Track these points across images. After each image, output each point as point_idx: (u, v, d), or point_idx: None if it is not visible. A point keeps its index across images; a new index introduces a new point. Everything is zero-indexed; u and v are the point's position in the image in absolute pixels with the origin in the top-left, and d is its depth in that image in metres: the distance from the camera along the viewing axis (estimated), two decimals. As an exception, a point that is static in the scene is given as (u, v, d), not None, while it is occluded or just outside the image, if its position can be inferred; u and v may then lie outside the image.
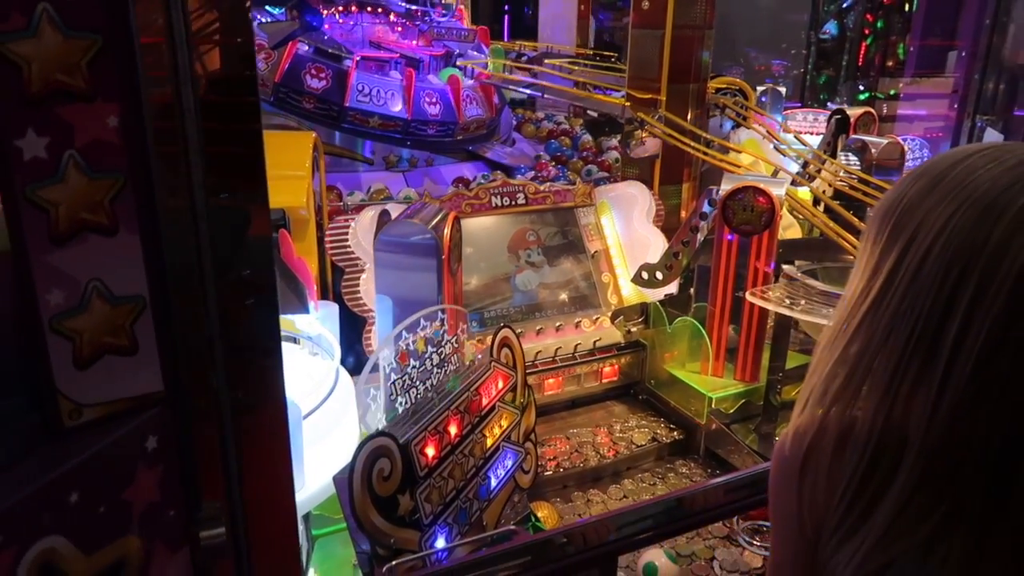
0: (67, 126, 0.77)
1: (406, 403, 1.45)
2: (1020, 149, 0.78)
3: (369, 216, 2.06)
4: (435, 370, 1.55)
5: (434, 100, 4.31)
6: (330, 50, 4.08)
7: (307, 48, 3.94)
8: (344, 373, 1.89)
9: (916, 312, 0.78)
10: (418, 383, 1.49)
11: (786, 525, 0.93)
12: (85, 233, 0.80)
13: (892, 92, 7.06)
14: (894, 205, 0.84)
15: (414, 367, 1.48)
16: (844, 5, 7.36)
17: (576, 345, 2.29)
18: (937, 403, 0.76)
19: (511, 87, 4.03)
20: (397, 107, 4.14)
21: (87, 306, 0.83)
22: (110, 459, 0.88)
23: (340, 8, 4.43)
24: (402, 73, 4.25)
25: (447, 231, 1.69)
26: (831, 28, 7.98)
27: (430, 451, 1.43)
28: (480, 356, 1.71)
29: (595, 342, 2.32)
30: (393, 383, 1.43)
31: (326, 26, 3.98)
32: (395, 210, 1.88)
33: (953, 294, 0.75)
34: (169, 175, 0.85)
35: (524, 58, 5.69)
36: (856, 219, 2.43)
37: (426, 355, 1.52)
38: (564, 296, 2.44)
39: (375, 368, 1.50)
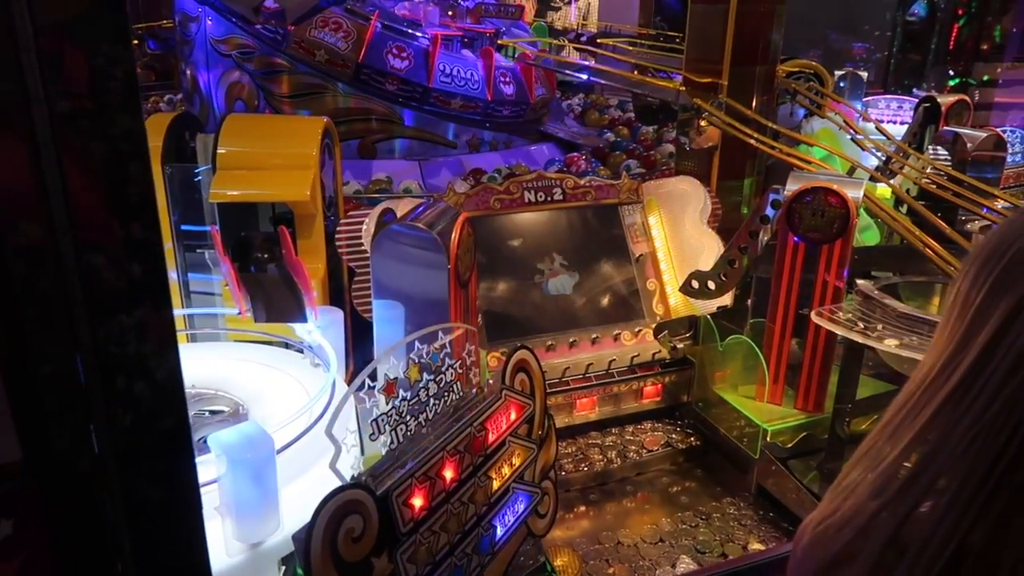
0: None
1: (392, 443, 1.23)
2: None
3: (379, 213, 1.85)
4: (432, 401, 1.32)
5: (508, 80, 4.11)
6: (407, 28, 3.91)
7: (380, 25, 3.77)
8: (343, 388, 1.69)
9: (1015, 416, 0.57)
10: (408, 418, 1.26)
11: None
12: None
13: (986, 78, 6.52)
14: (1002, 248, 0.62)
15: (404, 400, 1.25)
16: (936, -16, 6.84)
17: (610, 361, 2.04)
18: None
19: (559, 70, 3.76)
20: (477, 88, 3.96)
21: None
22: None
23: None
24: (475, 52, 4.05)
25: (456, 236, 1.46)
26: (919, 8, 7.43)
27: (418, 502, 1.20)
28: (491, 381, 1.48)
29: (632, 358, 2.06)
30: (376, 420, 1.20)
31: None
32: (403, 207, 1.65)
33: None
34: (13, 189, 0.64)
35: (583, 38, 5.39)
36: (945, 224, 2.10)
37: (420, 384, 1.29)
38: (603, 305, 2.17)
39: (362, 389, 1.28)
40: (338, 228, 1.97)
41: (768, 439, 1.89)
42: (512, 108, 4.21)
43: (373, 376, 1.22)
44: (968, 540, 0.59)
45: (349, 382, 1.75)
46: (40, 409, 0.71)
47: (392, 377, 1.24)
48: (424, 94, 3.80)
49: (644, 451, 2.01)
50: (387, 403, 1.24)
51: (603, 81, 3.36)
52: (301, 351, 1.90)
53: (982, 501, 0.58)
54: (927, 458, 0.63)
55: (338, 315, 1.83)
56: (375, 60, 3.64)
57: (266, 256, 1.92)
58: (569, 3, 5.70)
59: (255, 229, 2.12)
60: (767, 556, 1.68)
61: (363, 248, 1.94)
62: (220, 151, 1.91)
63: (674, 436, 2.09)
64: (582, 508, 1.91)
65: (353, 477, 1.18)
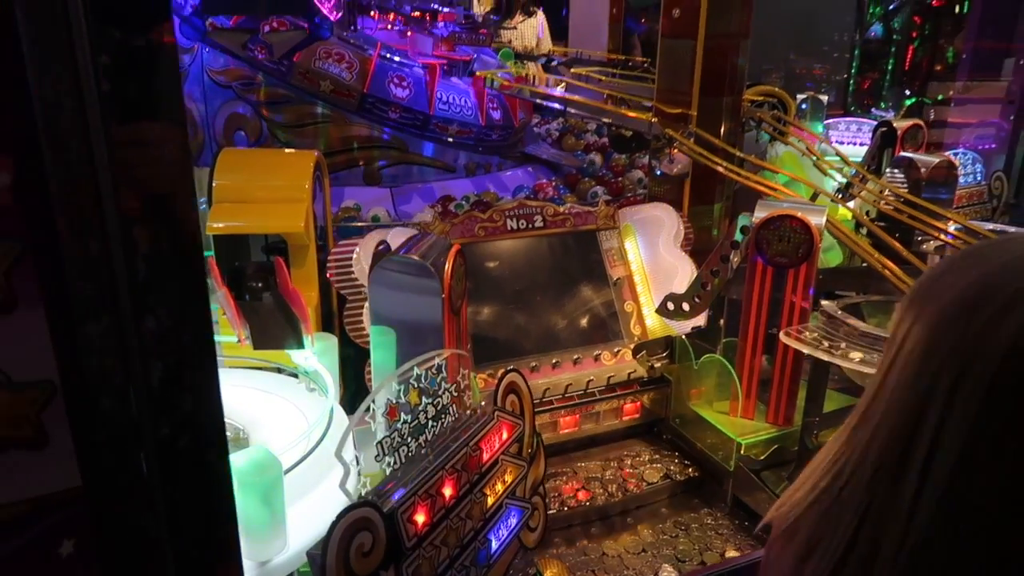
0: (-57, 189, 0.64)
1: (395, 463, 1.31)
2: None
3: (374, 241, 1.93)
4: (430, 423, 1.41)
5: (496, 105, 4.26)
6: (400, 58, 4.01)
7: (384, 56, 3.89)
8: (340, 414, 1.76)
9: (894, 418, 0.70)
10: (409, 440, 1.35)
11: None
12: (-28, 312, 0.68)
13: (940, 97, 6.77)
14: (922, 278, 0.74)
15: (405, 422, 1.34)
16: (891, 7, 7.08)
17: (588, 381, 2.13)
18: (905, 535, 0.66)
19: (535, 99, 3.87)
20: (471, 114, 4.09)
21: (-21, 396, 0.70)
22: (15, 571, 0.75)
23: (370, 13, 4.35)
24: (462, 79, 4.18)
25: (449, 267, 1.55)
26: (876, 30, 7.69)
27: (420, 518, 1.28)
28: (484, 403, 1.57)
29: (609, 378, 2.16)
30: (380, 443, 1.29)
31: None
32: (397, 238, 1.74)
33: (927, 398, 0.66)
34: (78, 239, 0.72)
35: (554, 63, 5.52)
36: (902, 245, 2.23)
37: (420, 408, 1.38)
38: (583, 327, 2.28)
39: (367, 412, 1.36)
40: (329, 257, 2.04)
41: (742, 452, 1.99)
42: (500, 132, 4.36)
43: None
44: (861, 529, 0.71)
45: (343, 404, 1.82)
46: (97, 440, 0.78)
47: (394, 401, 1.33)
48: (425, 121, 3.92)
49: (644, 484, 2.06)
50: (389, 426, 1.32)
51: (579, 112, 3.48)
52: (295, 376, 1.96)
53: (872, 495, 0.70)
54: (846, 459, 0.74)
55: (332, 341, 1.91)
56: (379, 89, 3.74)
57: (260, 285, 1.99)
58: (525, 19, 5.84)
59: (247, 259, 2.19)
60: (743, 561, 1.79)
61: (353, 276, 2.02)
62: (215, 184, 1.98)
63: (672, 468, 2.13)
64: (572, 525, 1.99)
65: (360, 496, 1.26)
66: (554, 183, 4.19)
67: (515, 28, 5.76)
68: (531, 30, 5.92)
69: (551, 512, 1.86)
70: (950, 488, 0.64)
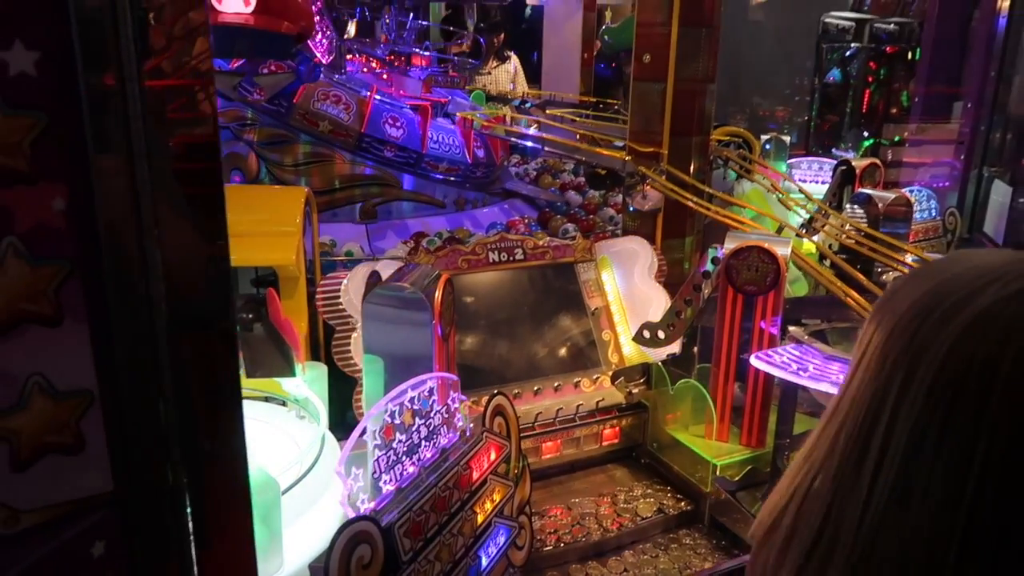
0: (5, 211, 0.71)
1: (391, 481, 1.37)
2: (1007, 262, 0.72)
3: (362, 273, 2.00)
4: (423, 443, 1.47)
5: (479, 144, 4.43)
6: (392, 101, 4.17)
7: (378, 98, 4.03)
8: (331, 440, 1.82)
9: (856, 414, 0.75)
10: (404, 458, 1.41)
11: None
12: (25, 324, 0.74)
13: (896, 138, 7.04)
14: (887, 289, 0.81)
15: (400, 442, 1.40)
16: (847, 54, 7.39)
17: (577, 406, 2.20)
18: (862, 520, 0.71)
19: (512, 139, 4.01)
20: (459, 152, 4.25)
21: (27, 403, 0.76)
22: (50, 570, 0.81)
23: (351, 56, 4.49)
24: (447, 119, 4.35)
25: (439, 294, 1.63)
26: (835, 75, 8.00)
27: (415, 533, 1.34)
28: (472, 426, 1.63)
29: (598, 402, 2.24)
30: (377, 460, 1.35)
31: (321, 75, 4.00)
32: (386, 269, 1.81)
33: (883, 397, 0.72)
34: (122, 260, 0.79)
35: (528, 105, 5.67)
36: (863, 275, 2.36)
37: (413, 428, 1.44)
38: (563, 355, 2.36)
39: (361, 437, 1.43)
40: (318, 289, 2.11)
41: (717, 473, 2.07)
42: (484, 170, 4.53)
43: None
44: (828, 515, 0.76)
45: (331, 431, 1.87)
46: (129, 446, 0.84)
47: (390, 421, 1.39)
48: (418, 159, 4.06)
49: (639, 519, 2.08)
50: (385, 445, 1.39)
51: (554, 151, 3.61)
52: (284, 404, 2.01)
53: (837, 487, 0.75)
54: (816, 455, 0.79)
55: (323, 370, 1.96)
56: (375, 130, 3.87)
57: (252, 316, 2.05)
58: (499, 64, 6.04)
59: (236, 291, 2.25)
60: (722, 569, 1.86)
61: (341, 307, 2.08)
62: (207, 219, 2.04)
63: (665, 502, 2.16)
64: (556, 546, 2.03)
65: (359, 513, 1.31)
66: (526, 220, 4.31)
67: (490, 74, 5.95)
68: (505, 75, 6.11)
69: (547, 548, 1.91)
70: (901, 475, 0.70)
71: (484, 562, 1.55)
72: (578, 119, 3.88)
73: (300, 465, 1.65)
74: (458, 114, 4.01)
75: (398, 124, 3.99)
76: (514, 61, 6.23)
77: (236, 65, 3.70)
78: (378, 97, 3.96)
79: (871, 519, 0.71)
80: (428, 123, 3.89)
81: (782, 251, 2.06)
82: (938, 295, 0.71)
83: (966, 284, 0.70)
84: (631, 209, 2.87)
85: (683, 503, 2.14)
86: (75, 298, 0.77)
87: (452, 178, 4.20)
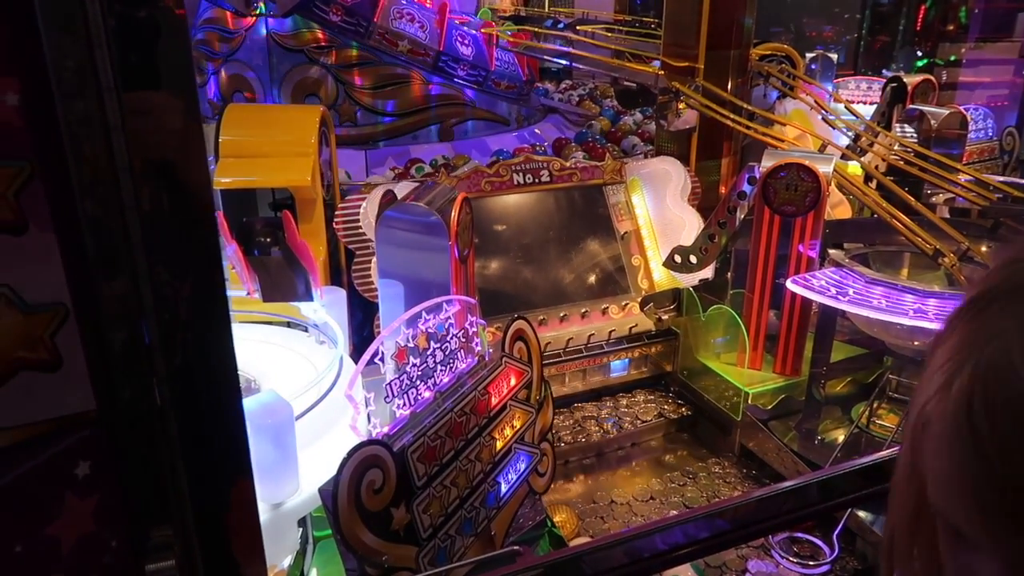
0: (-50, 105, 0.64)
1: (404, 405, 1.33)
2: None
3: (380, 195, 1.93)
4: (439, 367, 1.42)
5: (513, 62, 4.38)
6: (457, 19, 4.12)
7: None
8: (350, 364, 1.78)
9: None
10: (418, 383, 1.36)
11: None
12: (-17, 232, 0.68)
13: (953, 58, 6.68)
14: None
15: (414, 366, 1.35)
16: (903, -33, 6.97)
17: (589, 336, 2.15)
18: None
19: (540, 55, 3.86)
20: (514, 70, 4.26)
21: (-7, 316, 0.71)
22: (29, 490, 0.77)
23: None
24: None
25: (455, 214, 1.55)
26: (888, -10, 7.57)
27: (430, 458, 1.30)
28: (492, 351, 1.58)
29: (611, 332, 2.17)
30: (389, 384, 1.30)
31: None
32: (402, 189, 1.74)
33: None
34: (87, 160, 0.72)
35: (560, 25, 5.45)
36: (911, 197, 2.22)
37: (428, 352, 1.39)
38: (591, 281, 2.28)
39: (371, 363, 1.38)
40: (336, 212, 2.05)
41: (749, 402, 2.01)
42: (528, 87, 4.66)
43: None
44: None
45: (352, 356, 1.84)
46: (111, 367, 0.80)
47: (403, 344, 1.34)
48: (486, 77, 4.03)
49: (639, 421, 2.11)
50: (398, 369, 1.34)
51: (584, 67, 3.45)
52: (306, 330, 1.98)
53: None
54: None
55: (341, 294, 1.92)
56: (451, 48, 3.83)
57: (269, 240, 2.00)
58: None
59: (255, 214, 2.20)
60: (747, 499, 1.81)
61: (361, 231, 2.02)
62: (222, 140, 1.98)
63: (666, 407, 2.19)
64: (579, 474, 2.01)
65: (368, 436, 1.27)
66: (536, 147, 4.21)
67: None
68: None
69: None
70: None
71: (504, 488, 1.51)
72: (611, 35, 3.70)
73: (317, 389, 1.62)
74: (483, 29, 3.87)
75: (466, 42, 3.92)
76: None
77: None
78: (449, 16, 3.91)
79: None
80: (495, 43, 3.81)
81: (824, 169, 1.94)
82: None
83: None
84: (664, 128, 2.73)
85: (684, 408, 2.17)
86: (38, 203, 0.71)
87: (511, 96, 4.19)
